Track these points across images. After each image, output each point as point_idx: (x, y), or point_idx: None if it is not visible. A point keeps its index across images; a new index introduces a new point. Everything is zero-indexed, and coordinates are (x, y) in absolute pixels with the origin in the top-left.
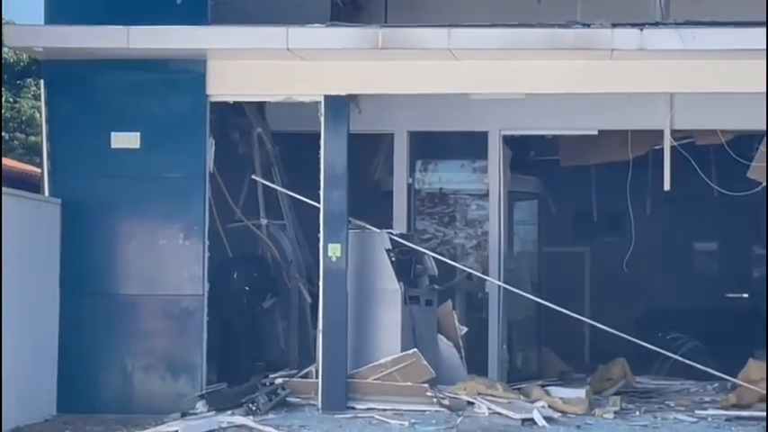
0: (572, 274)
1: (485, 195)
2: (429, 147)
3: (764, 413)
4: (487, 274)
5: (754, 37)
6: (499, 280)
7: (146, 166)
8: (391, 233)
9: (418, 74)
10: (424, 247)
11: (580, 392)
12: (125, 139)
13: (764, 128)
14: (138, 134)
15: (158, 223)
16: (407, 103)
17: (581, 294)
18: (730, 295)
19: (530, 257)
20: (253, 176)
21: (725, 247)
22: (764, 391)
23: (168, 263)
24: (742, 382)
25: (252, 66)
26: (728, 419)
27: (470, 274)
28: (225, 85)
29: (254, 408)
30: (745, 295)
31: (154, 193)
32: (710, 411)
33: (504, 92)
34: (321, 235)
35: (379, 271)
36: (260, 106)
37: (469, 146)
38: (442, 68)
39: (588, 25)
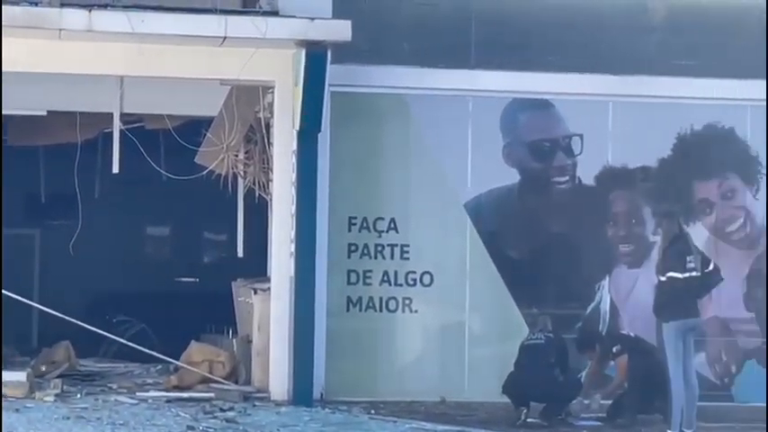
0: (22, 257)
1: None
2: None
3: (204, 394)
4: None
5: (204, 24)
6: None
7: None
8: None
9: None
10: None
11: (21, 375)
12: None
13: (210, 114)
14: None
15: None
16: None
17: (30, 277)
18: (180, 279)
19: None
20: None
21: (176, 232)
22: (205, 373)
23: None
24: (183, 364)
25: None
26: (169, 401)
27: None
28: None
29: None
30: (196, 279)
31: None
32: (152, 393)
33: None
34: None
35: None
36: None
37: None
38: None
39: (37, 3)
